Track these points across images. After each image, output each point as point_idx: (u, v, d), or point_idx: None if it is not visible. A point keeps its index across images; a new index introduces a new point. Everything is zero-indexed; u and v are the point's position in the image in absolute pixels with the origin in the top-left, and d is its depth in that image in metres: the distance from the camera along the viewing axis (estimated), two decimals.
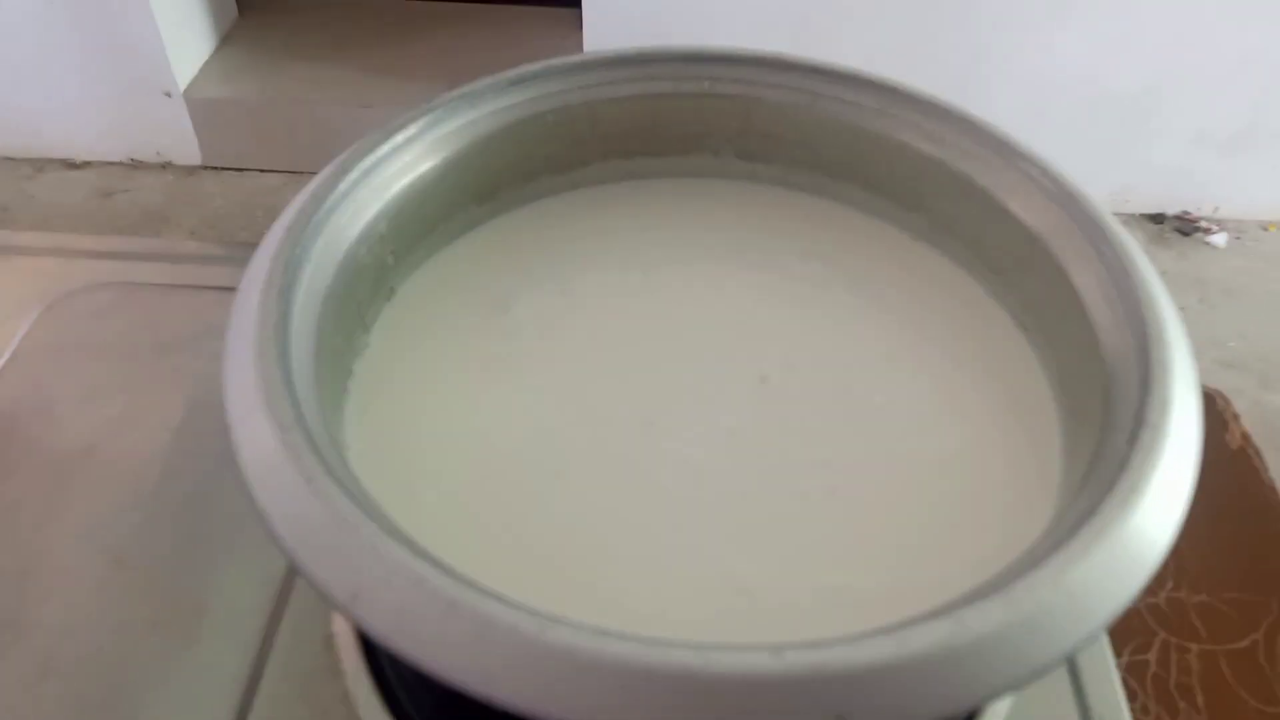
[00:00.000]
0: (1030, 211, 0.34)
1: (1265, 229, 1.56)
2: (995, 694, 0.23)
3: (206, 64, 1.62)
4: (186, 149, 1.62)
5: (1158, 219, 1.57)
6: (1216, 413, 0.60)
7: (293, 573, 0.37)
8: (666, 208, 0.40)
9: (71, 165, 1.64)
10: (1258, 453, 0.57)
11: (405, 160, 0.34)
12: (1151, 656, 0.49)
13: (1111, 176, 1.54)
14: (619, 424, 0.33)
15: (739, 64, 0.38)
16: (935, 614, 0.22)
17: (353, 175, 0.32)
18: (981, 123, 0.35)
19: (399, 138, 0.34)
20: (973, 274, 0.37)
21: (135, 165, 1.64)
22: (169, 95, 1.56)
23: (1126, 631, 0.50)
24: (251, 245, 0.47)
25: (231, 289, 0.50)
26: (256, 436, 0.25)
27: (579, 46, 1.52)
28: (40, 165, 1.63)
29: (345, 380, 0.33)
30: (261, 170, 1.62)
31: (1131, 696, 0.40)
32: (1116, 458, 0.25)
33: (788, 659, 0.21)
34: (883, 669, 0.21)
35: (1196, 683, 0.48)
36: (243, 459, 0.25)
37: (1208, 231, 1.54)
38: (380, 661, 0.34)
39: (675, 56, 0.38)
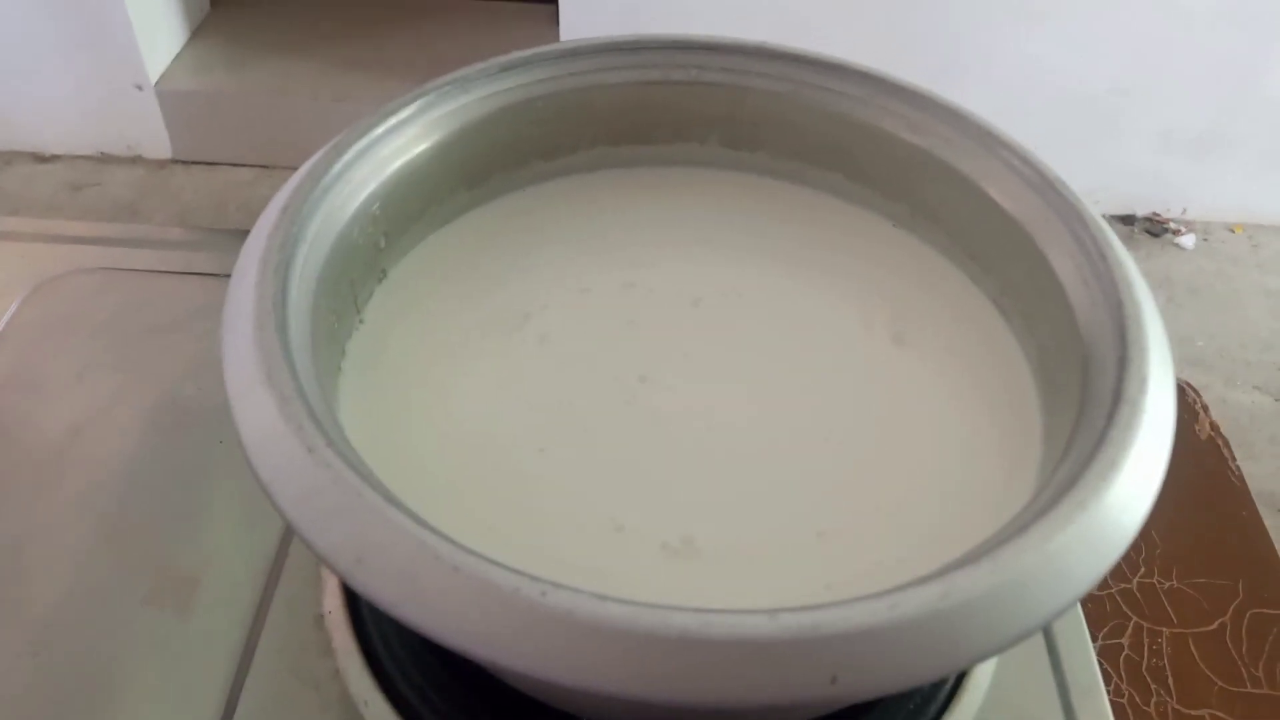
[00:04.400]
0: (1010, 198, 0.34)
1: (1232, 230, 1.59)
2: (983, 656, 0.23)
3: (178, 57, 1.60)
4: (157, 142, 1.60)
5: (1128, 220, 1.59)
6: (1187, 404, 0.61)
7: (283, 553, 0.37)
8: (653, 196, 0.41)
9: (40, 158, 1.62)
10: (1225, 443, 0.58)
11: (399, 143, 0.34)
12: (1125, 641, 0.50)
13: (1082, 177, 1.55)
14: (601, 403, 0.33)
15: (728, 53, 0.38)
16: (925, 579, 0.23)
17: (348, 156, 0.32)
18: (964, 111, 0.36)
19: (393, 120, 0.34)
20: (952, 260, 0.38)
21: (105, 159, 1.62)
22: (140, 88, 1.54)
23: (1100, 616, 0.51)
24: (236, 232, 0.47)
25: (215, 275, 0.50)
26: (258, 408, 0.25)
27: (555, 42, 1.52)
28: (8, 158, 1.61)
29: (339, 360, 0.33)
30: (233, 164, 1.61)
31: (1105, 679, 0.41)
32: (1096, 431, 0.26)
33: (783, 622, 0.22)
34: (875, 631, 0.22)
35: (1168, 665, 0.49)
36: (244, 430, 0.25)
37: (1176, 233, 1.56)
38: (371, 640, 0.35)
39: (665, 44, 0.38)
